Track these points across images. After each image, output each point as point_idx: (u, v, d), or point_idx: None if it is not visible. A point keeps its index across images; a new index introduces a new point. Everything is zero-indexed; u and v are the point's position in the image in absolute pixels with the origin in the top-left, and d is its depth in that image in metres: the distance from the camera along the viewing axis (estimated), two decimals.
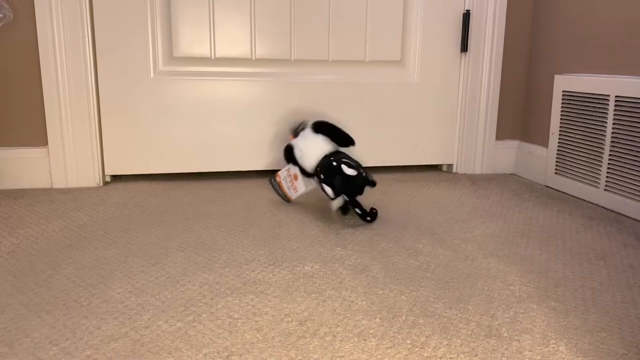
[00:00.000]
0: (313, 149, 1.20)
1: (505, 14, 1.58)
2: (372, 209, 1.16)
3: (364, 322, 0.73)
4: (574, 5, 1.44)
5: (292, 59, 1.51)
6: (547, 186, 1.52)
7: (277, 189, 1.32)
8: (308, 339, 0.69)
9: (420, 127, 1.62)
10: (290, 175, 1.28)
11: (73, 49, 1.35)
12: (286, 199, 1.31)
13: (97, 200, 1.30)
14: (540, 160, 1.56)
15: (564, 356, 0.66)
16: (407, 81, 1.59)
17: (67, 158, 1.40)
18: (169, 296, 0.80)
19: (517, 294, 0.82)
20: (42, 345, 0.66)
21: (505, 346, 0.68)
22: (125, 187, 1.42)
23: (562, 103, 1.43)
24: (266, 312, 0.75)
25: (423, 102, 1.61)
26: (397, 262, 0.94)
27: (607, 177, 1.29)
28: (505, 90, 1.65)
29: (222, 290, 0.82)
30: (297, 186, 1.27)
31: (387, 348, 0.67)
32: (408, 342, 0.68)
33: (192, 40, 1.43)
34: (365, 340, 0.68)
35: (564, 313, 0.77)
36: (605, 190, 1.30)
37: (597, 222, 1.20)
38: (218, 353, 0.65)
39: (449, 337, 0.69)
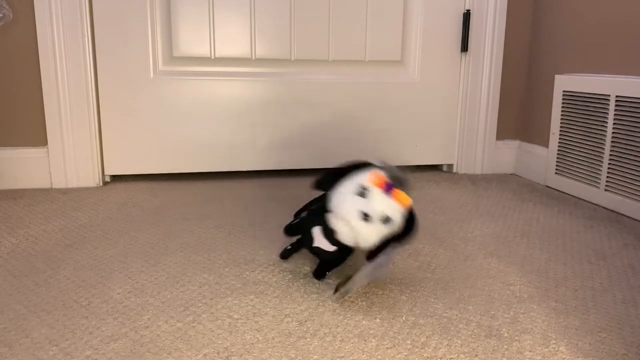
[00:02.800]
0: None
1: (505, 14, 1.58)
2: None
3: (364, 322, 0.73)
4: (574, 5, 1.44)
5: (292, 59, 1.51)
6: (547, 186, 1.52)
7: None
8: (308, 339, 0.69)
9: (420, 127, 1.62)
10: None
11: (73, 49, 1.35)
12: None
13: (97, 200, 1.30)
14: (540, 160, 1.56)
15: (564, 356, 0.66)
16: (407, 81, 1.59)
17: (66, 158, 1.40)
18: (169, 296, 0.80)
19: (518, 294, 0.82)
20: (42, 345, 0.66)
21: (506, 346, 0.68)
22: (125, 187, 1.42)
23: (563, 103, 1.43)
24: (266, 312, 0.75)
25: (423, 102, 1.60)
26: (397, 262, 0.93)
27: (607, 177, 1.29)
28: (506, 90, 1.65)
29: (222, 290, 0.82)
30: None
31: (387, 348, 0.67)
32: (408, 342, 0.68)
33: (192, 40, 1.43)
34: (365, 341, 0.68)
35: (564, 313, 0.76)
36: (605, 190, 1.30)
37: (597, 222, 1.19)
38: (218, 353, 0.65)
39: (449, 338, 0.69)
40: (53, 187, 1.40)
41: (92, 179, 1.42)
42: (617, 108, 1.25)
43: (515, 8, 1.60)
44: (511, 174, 1.68)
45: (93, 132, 1.40)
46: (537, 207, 1.30)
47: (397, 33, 1.56)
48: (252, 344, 0.67)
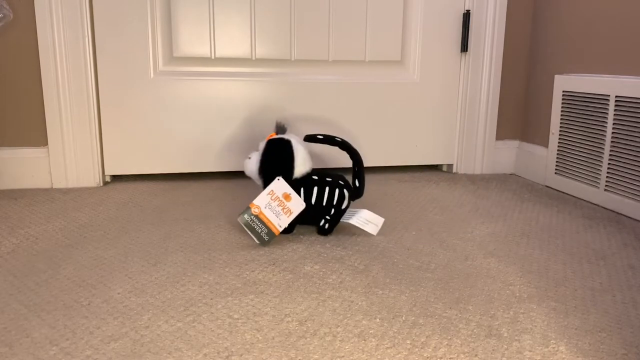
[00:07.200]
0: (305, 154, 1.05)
1: (505, 14, 1.58)
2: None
3: (364, 322, 0.73)
4: (574, 5, 1.44)
5: (292, 59, 1.51)
6: (547, 186, 1.52)
7: (257, 225, 0.99)
8: (308, 339, 0.69)
9: (420, 127, 1.62)
10: (277, 198, 1.00)
11: (73, 49, 1.35)
12: (269, 236, 0.99)
13: (97, 200, 1.30)
14: (540, 160, 1.56)
15: (564, 356, 0.66)
16: (407, 81, 1.59)
17: (67, 158, 1.40)
18: (169, 296, 0.80)
19: (517, 294, 0.82)
20: (42, 345, 0.66)
21: (506, 346, 0.68)
22: (125, 187, 1.42)
23: (562, 103, 1.43)
24: (266, 312, 0.75)
25: (423, 102, 1.61)
26: (397, 262, 0.94)
27: (607, 177, 1.29)
28: (505, 90, 1.65)
29: (222, 290, 0.82)
30: (292, 206, 1.01)
31: (387, 348, 0.67)
32: (408, 342, 0.68)
33: (192, 40, 1.43)
34: (365, 341, 0.68)
35: (564, 313, 0.77)
36: (605, 190, 1.30)
37: (597, 222, 1.20)
38: (218, 353, 0.65)
39: (449, 337, 0.69)
40: (53, 187, 1.41)
41: (92, 179, 1.42)
42: (616, 108, 1.25)
43: (515, 8, 1.60)
44: (511, 174, 1.68)
45: (93, 132, 1.40)
46: (537, 207, 1.30)
47: (397, 33, 1.56)
48: (252, 343, 0.67)
